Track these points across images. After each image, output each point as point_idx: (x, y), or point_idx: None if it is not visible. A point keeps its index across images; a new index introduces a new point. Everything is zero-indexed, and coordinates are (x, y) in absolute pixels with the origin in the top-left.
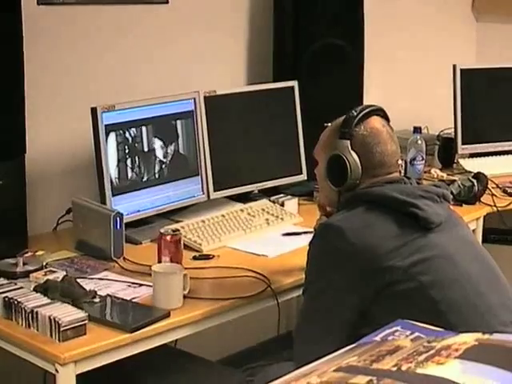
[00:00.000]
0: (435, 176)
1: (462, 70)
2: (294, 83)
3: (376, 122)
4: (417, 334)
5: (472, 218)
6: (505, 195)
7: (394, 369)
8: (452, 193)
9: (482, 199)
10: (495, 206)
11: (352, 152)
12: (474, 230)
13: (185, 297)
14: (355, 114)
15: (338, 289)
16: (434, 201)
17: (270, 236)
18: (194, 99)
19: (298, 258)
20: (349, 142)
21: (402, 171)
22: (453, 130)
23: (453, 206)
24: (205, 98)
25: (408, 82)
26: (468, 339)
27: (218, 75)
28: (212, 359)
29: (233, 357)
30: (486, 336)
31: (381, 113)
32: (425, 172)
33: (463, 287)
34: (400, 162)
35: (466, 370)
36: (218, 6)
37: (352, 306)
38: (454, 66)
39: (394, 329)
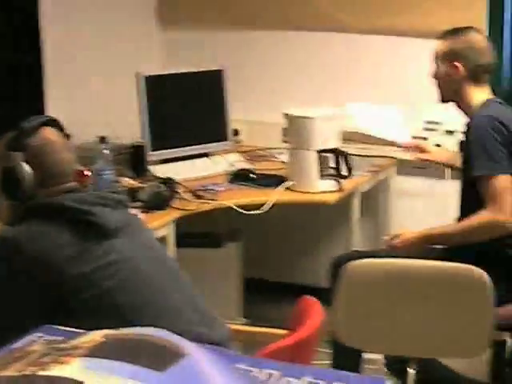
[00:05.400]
0: (127, 185)
1: (146, 78)
2: None
3: (48, 132)
4: (54, 337)
5: (162, 223)
6: (195, 198)
7: (18, 374)
8: (142, 200)
9: (172, 204)
10: (185, 209)
11: (24, 164)
12: (165, 236)
13: None
14: (26, 125)
15: (15, 303)
16: (111, 207)
17: None
18: None
19: None
20: (21, 153)
21: (91, 183)
22: None
23: (141, 213)
24: None
25: (96, 94)
26: (96, 337)
27: None
28: None
29: None
30: (114, 331)
31: (53, 123)
32: (116, 182)
33: (145, 290)
34: (87, 172)
35: (89, 367)
36: None
37: (34, 319)
38: (138, 74)
39: (37, 334)
